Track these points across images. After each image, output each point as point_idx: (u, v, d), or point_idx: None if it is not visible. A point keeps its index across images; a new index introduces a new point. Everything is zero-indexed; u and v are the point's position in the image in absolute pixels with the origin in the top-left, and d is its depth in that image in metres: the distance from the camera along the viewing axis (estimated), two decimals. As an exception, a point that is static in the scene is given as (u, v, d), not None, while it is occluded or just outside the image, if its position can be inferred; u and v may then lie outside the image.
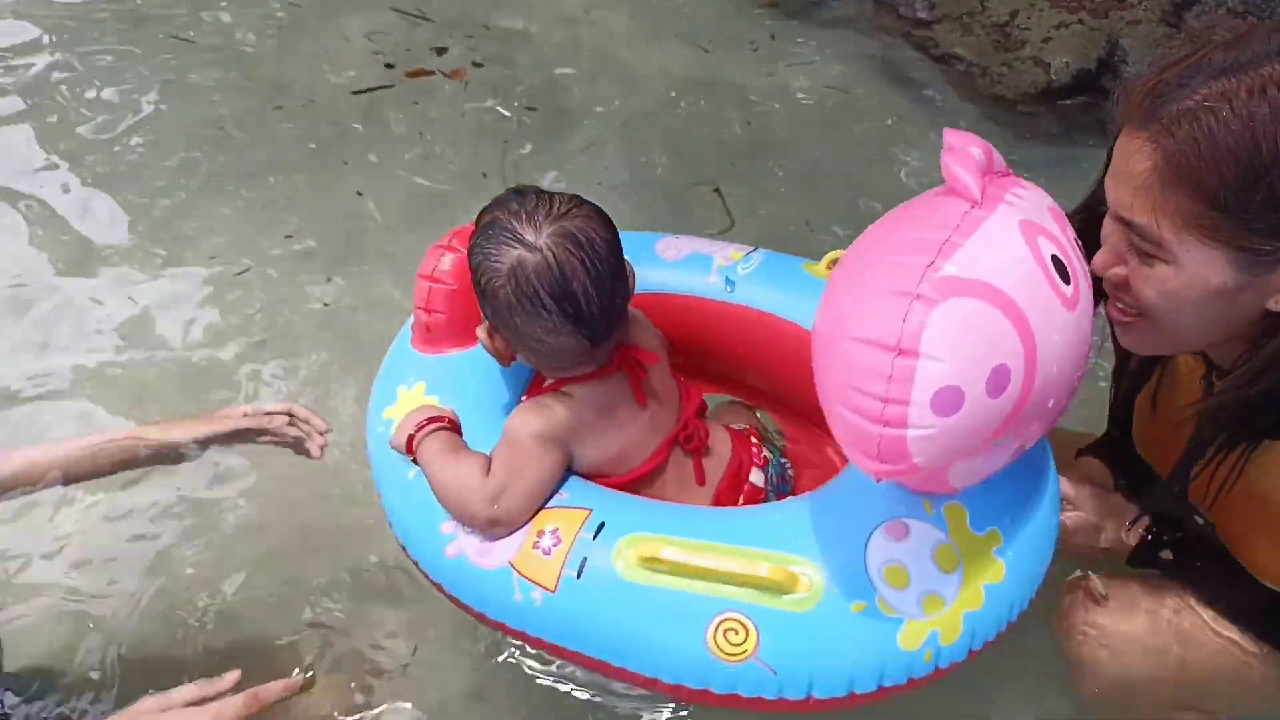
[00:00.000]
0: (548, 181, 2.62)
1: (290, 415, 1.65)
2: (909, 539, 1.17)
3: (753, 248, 1.60)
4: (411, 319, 1.51)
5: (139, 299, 2.28)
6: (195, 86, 2.88)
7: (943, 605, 1.17)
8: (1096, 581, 1.49)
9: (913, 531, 1.18)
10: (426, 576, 1.38)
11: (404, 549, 1.41)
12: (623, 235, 1.32)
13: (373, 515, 1.59)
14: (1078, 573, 1.51)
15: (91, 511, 1.83)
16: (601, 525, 1.25)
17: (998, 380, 0.99)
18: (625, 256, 1.32)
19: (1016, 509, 1.24)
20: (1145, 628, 1.46)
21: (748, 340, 1.57)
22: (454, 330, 1.44)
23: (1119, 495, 1.53)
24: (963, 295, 0.99)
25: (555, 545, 1.25)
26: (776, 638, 1.16)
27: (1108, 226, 1.26)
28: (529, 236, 1.25)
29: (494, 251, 1.27)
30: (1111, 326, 1.36)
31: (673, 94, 2.96)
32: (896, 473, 1.02)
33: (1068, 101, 2.92)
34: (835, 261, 1.44)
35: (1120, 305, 1.28)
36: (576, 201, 1.30)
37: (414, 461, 1.36)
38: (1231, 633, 1.44)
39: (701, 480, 1.42)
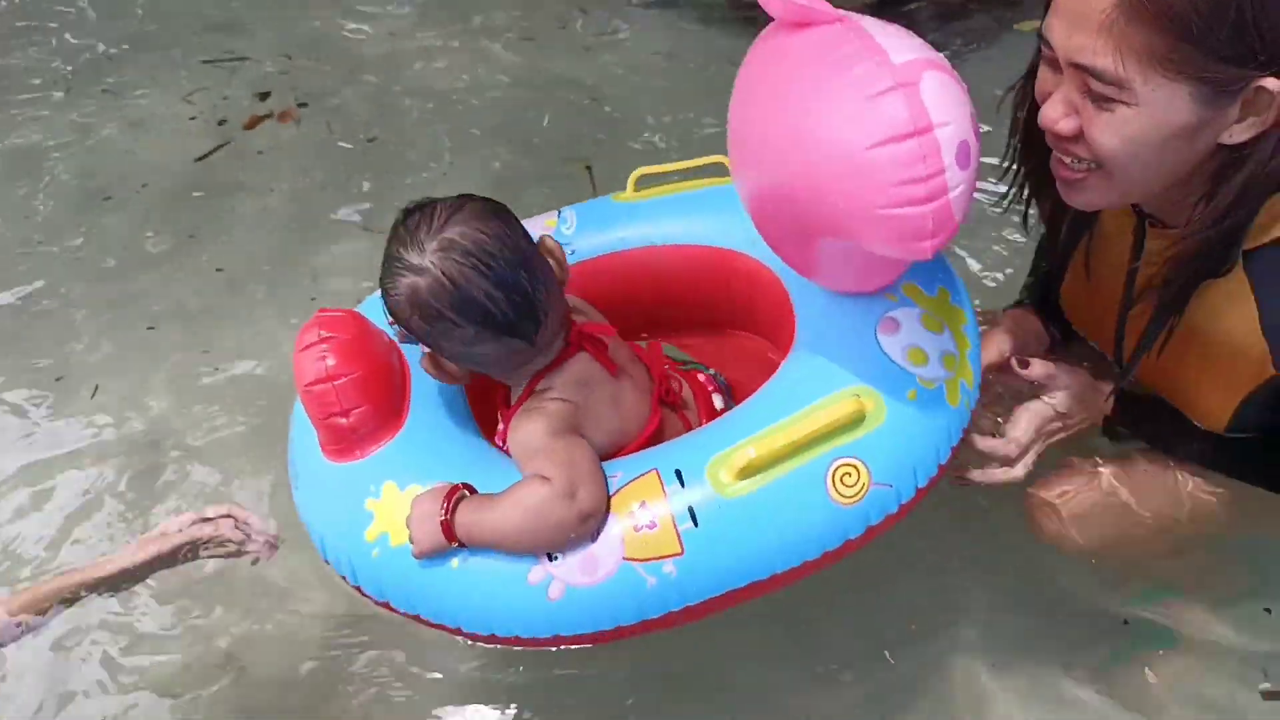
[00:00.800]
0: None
1: (231, 517, 1.50)
2: (903, 326, 1.31)
3: (556, 210, 1.60)
4: (297, 446, 1.39)
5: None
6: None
7: (955, 357, 1.32)
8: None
9: (900, 320, 1.32)
10: (537, 642, 1.25)
11: (496, 639, 1.27)
12: None
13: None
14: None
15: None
16: (677, 471, 1.23)
17: (975, 127, 1.10)
18: (543, 236, 1.32)
19: (937, 266, 1.39)
20: (1107, 489, 1.48)
21: (621, 284, 1.58)
22: (383, 409, 1.33)
23: (1084, 370, 1.51)
24: (924, 69, 1.07)
25: (653, 514, 1.21)
26: (878, 457, 1.24)
27: (1050, 79, 1.22)
28: (415, 259, 1.21)
29: (392, 285, 1.23)
30: (1035, 192, 1.43)
31: (511, 90, 2.90)
32: (943, 240, 1.10)
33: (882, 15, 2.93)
34: (641, 178, 1.57)
35: (1068, 160, 1.25)
36: (457, 205, 1.25)
37: (460, 546, 1.23)
38: (1193, 478, 1.46)
39: (690, 426, 1.42)
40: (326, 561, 1.34)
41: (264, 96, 2.90)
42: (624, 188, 1.62)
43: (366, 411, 1.30)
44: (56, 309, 2.36)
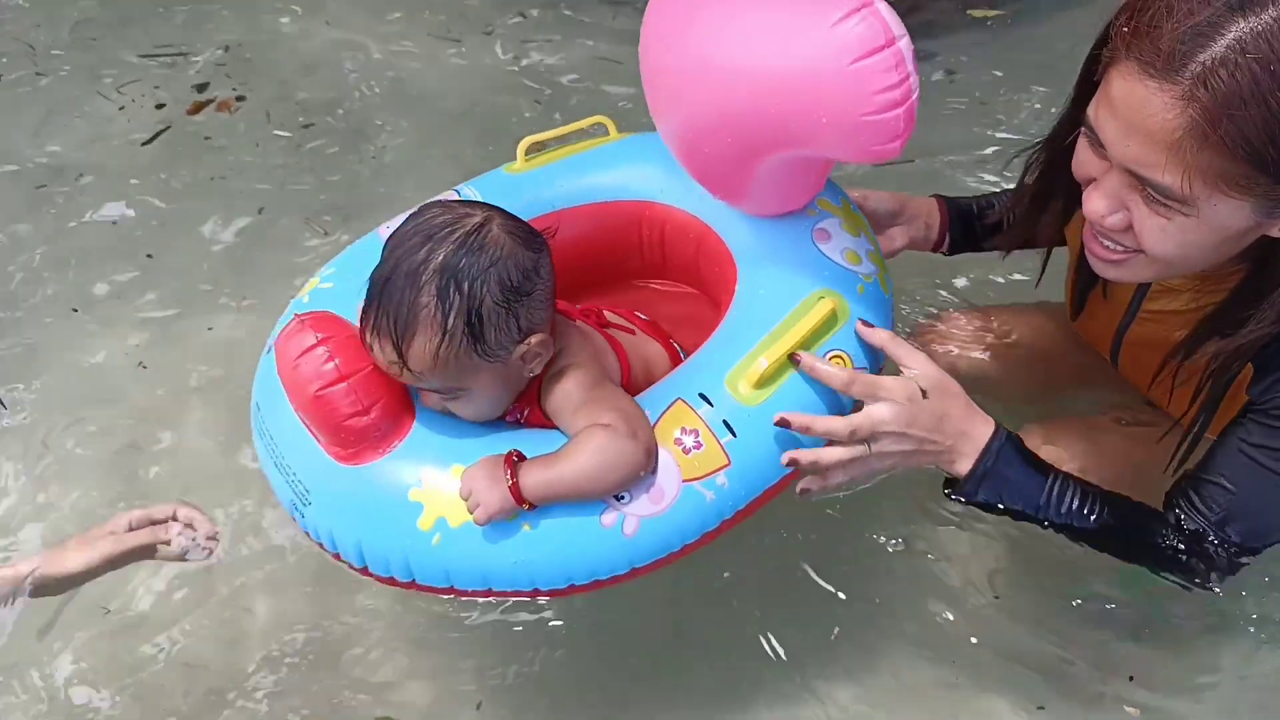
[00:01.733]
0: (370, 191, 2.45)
1: (176, 520, 1.47)
2: (833, 234, 1.49)
3: (454, 187, 1.58)
4: (295, 464, 1.33)
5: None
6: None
7: (875, 253, 1.52)
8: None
9: (828, 229, 1.50)
10: (615, 580, 1.32)
11: (574, 589, 1.32)
12: None
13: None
14: None
15: None
16: (701, 394, 1.34)
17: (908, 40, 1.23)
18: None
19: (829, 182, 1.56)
20: (1080, 446, 1.50)
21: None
22: (399, 399, 1.32)
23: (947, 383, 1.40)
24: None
25: (695, 436, 1.32)
26: (854, 345, 1.41)
27: (1094, 165, 1.20)
28: (478, 224, 1.25)
29: (473, 262, 1.22)
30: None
31: (450, 81, 2.80)
32: (908, 138, 1.22)
33: None
34: (532, 146, 1.61)
35: (1109, 244, 1.24)
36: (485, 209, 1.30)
37: (530, 509, 1.25)
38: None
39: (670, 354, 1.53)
40: (358, 569, 1.33)
41: (202, 88, 2.77)
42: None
43: (386, 404, 1.28)
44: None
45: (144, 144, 2.59)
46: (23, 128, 2.65)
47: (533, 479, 1.23)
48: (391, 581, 1.32)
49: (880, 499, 1.66)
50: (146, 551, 1.43)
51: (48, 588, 1.43)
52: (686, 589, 1.65)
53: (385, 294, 1.21)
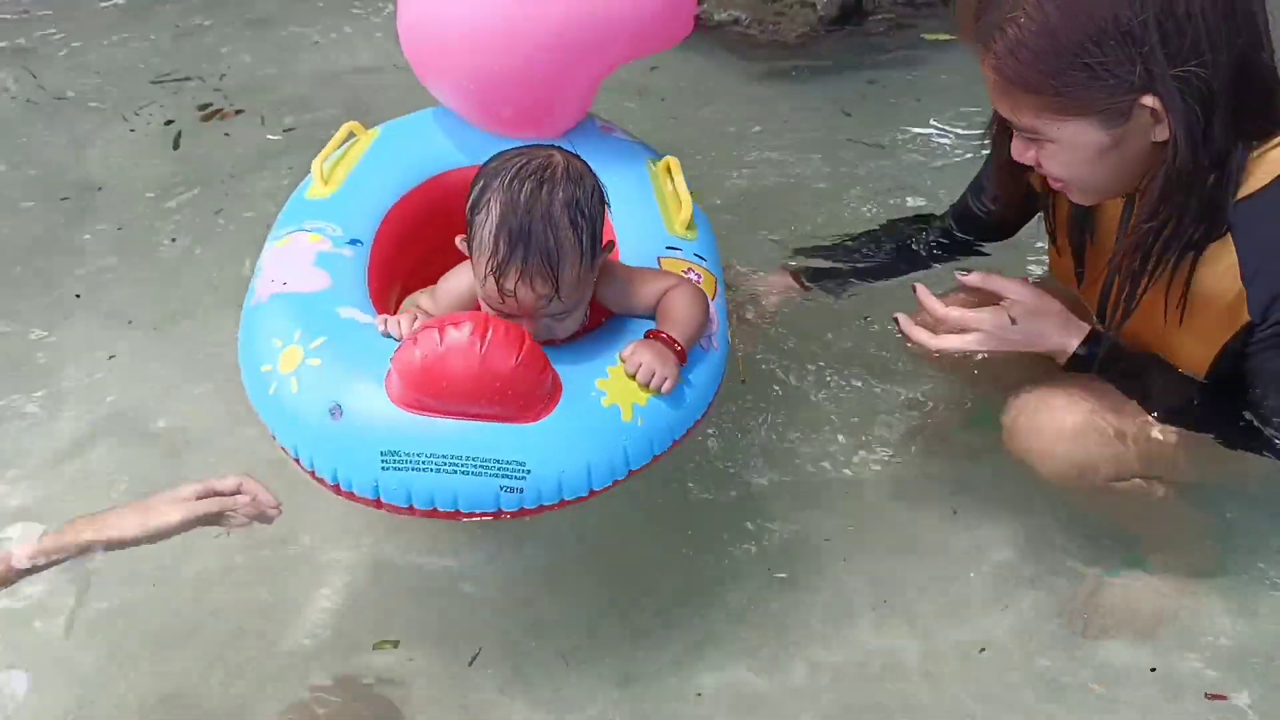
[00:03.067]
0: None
1: (242, 492, 1.45)
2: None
3: (297, 230, 1.75)
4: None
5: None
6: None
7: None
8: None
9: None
10: (712, 407, 1.59)
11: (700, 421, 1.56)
12: None
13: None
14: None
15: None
16: (668, 246, 1.73)
17: None
18: None
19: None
20: (1087, 413, 1.53)
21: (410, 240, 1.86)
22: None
23: (1045, 292, 1.58)
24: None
25: (692, 272, 1.67)
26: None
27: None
28: (559, 159, 1.47)
29: (580, 191, 1.44)
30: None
31: None
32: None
33: (839, 30, 3.20)
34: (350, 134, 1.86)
35: (1049, 177, 1.44)
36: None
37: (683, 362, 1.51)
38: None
39: None
40: (584, 497, 1.43)
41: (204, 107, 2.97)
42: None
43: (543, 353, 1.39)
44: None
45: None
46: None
47: (681, 340, 1.49)
48: (614, 485, 1.45)
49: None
50: (213, 519, 1.43)
51: (108, 548, 1.40)
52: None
53: (530, 239, 1.37)
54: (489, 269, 1.40)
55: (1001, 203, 1.76)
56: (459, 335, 1.30)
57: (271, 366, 1.48)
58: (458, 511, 1.40)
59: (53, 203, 2.65)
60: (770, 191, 2.59)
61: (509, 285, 1.40)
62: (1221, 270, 1.37)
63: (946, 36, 3.13)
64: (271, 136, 2.85)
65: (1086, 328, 1.52)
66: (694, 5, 1.74)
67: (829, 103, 2.95)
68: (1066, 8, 1.23)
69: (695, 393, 1.52)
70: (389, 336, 1.48)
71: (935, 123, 2.80)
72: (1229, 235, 1.35)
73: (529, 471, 1.38)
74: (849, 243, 1.99)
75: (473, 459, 1.37)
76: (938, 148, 2.74)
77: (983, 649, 1.68)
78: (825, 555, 1.81)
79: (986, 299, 1.55)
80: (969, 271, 1.58)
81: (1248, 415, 1.46)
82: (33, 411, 2.10)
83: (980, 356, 1.58)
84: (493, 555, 1.83)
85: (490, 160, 1.49)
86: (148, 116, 2.93)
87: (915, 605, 1.75)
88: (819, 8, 3.18)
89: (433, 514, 1.41)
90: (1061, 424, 1.54)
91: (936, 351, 1.58)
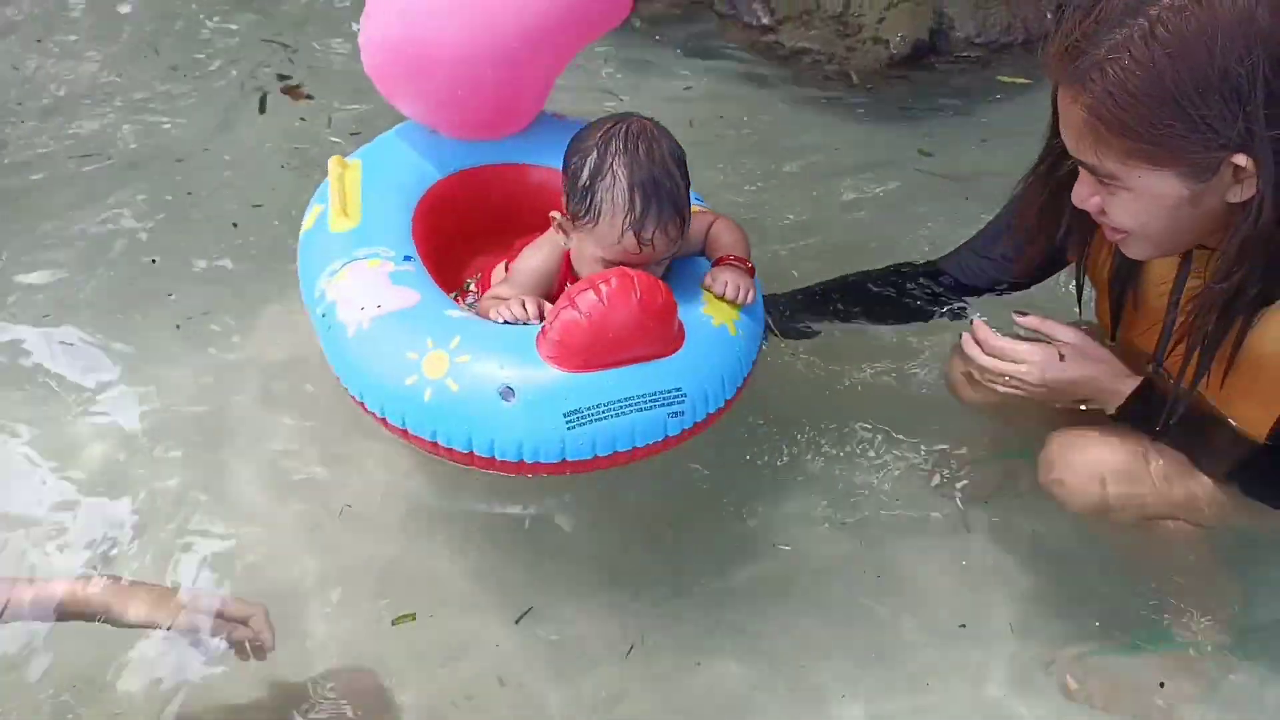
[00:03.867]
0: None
1: (248, 627, 1.47)
2: None
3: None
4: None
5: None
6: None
7: None
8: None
9: None
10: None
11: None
12: None
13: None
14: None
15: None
16: None
17: None
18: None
19: None
20: (1125, 455, 1.57)
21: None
22: None
23: (1096, 341, 1.60)
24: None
25: None
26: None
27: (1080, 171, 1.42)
28: (642, 119, 1.69)
29: (673, 145, 1.66)
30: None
31: None
32: None
33: (912, 71, 3.18)
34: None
35: (1107, 226, 1.43)
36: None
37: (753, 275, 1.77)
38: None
39: None
40: (727, 403, 1.68)
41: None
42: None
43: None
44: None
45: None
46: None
47: (744, 257, 1.76)
48: (737, 395, 1.70)
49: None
50: (202, 634, 1.44)
51: (96, 618, 1.41)
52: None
53: (658, 192, 1.58)
54: (626, 225, 1.57)
55: (1024, 255, 1.73)
56: (616, 289, 1.49)
57: (417, 377, 1.57)
58: (634, 450, 1.58)
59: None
60: (834, 228, 2.60)
61: (647, 235, 1.58)
62: None
63: (1024, 80, 3.10)
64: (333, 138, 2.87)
65: (1138, 377, 1.53)
66: None
67: (898, 139, 2.95)
68: (1177, 55, 1.21)
69: (758, 308, 1.77)
70: (512, 323, 1.62)
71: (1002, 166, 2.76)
72: None
73: (685, 395, 1.59)
74: (820, 292, 1.98)
75: (642, 396, 1.56)
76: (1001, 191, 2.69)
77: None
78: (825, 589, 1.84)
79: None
80: (1026, 314, 1.60)
81: None
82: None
83: (1020, 397, 1.59)
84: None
85: (582, 137, 1.65)
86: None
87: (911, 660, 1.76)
88: (891, 45, 3.16)
89: (612, 460, 1.58)
90: (1099, 463, 1.57)
91: (985, 374, 1.59)
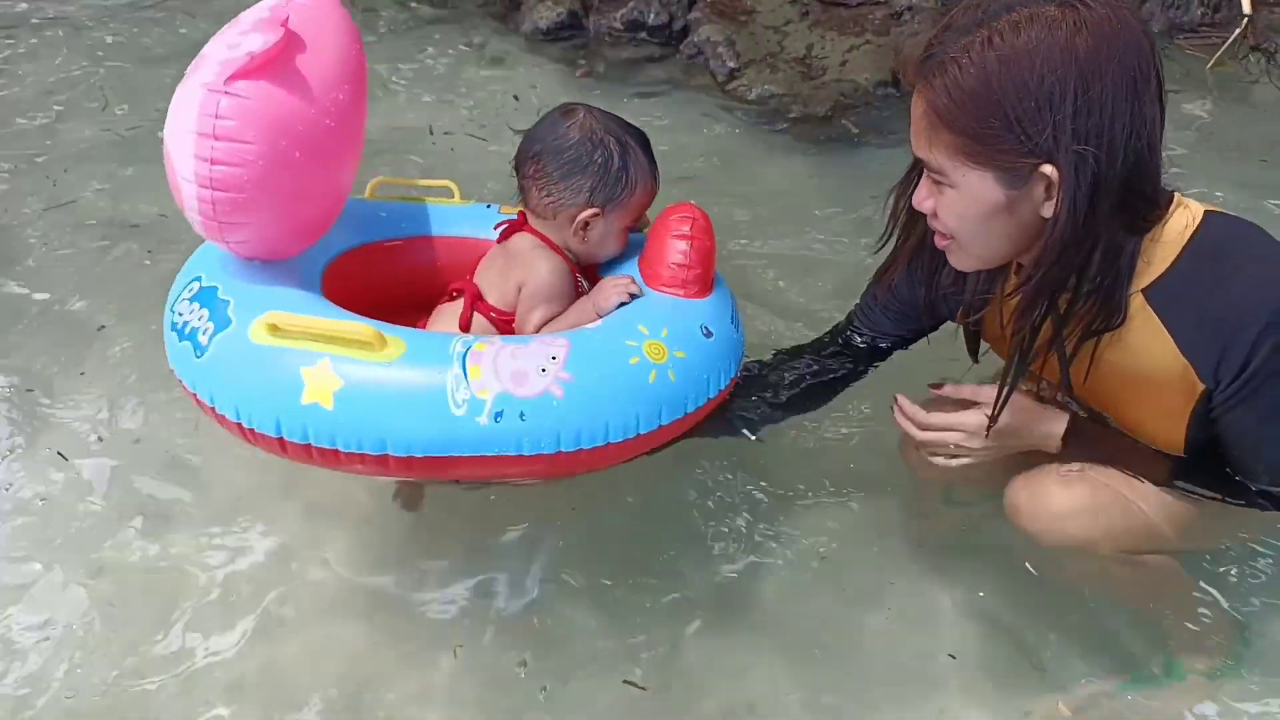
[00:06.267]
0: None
1: None
2: None
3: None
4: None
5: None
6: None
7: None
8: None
9: None
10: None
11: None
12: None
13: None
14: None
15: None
16: None
17: None
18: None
19: None
20: (1081, 490, 1.59)
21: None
22: None
23: (1026, 394, 1.62)
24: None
25: None
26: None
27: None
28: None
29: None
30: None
31: None
32: None
33: (870, 106, 3.27)
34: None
35: (938, 232, 1.51)
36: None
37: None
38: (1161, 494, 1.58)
39: None
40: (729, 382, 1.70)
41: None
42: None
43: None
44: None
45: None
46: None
47: None
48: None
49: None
50: None
51: None
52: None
53: (642, 139, 1.76)
54: (652, 176, 1.77)
55: (914, 310, 1.76)
56: (698, 214, 1.70)
57: (639, 358, 1.58)
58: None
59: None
60: (806, 264, 2.62)
61: (656, 185, 1.80)
62: (1159, 351, 1.45)
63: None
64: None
65: (1066, 413, 1.60)
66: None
67: (861, 174, 3.01)
68: (1005, 59, 1.32)
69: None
70: (636, 295, 1.69)
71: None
72: (1156, 317, 1.44)
73: (713, 335, 1.68)
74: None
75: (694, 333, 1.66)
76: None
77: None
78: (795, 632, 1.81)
79: (961, 408, 1.63)
80: (940, 384, 1.68)
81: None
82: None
83: (965, 461, 1.65)
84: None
85: (563, 143, 1.71)
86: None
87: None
88: (855, 85, 3.26)
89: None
90: (1060, 505, 1.60)
91: (926, 448, 1.67)
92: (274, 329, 1.47)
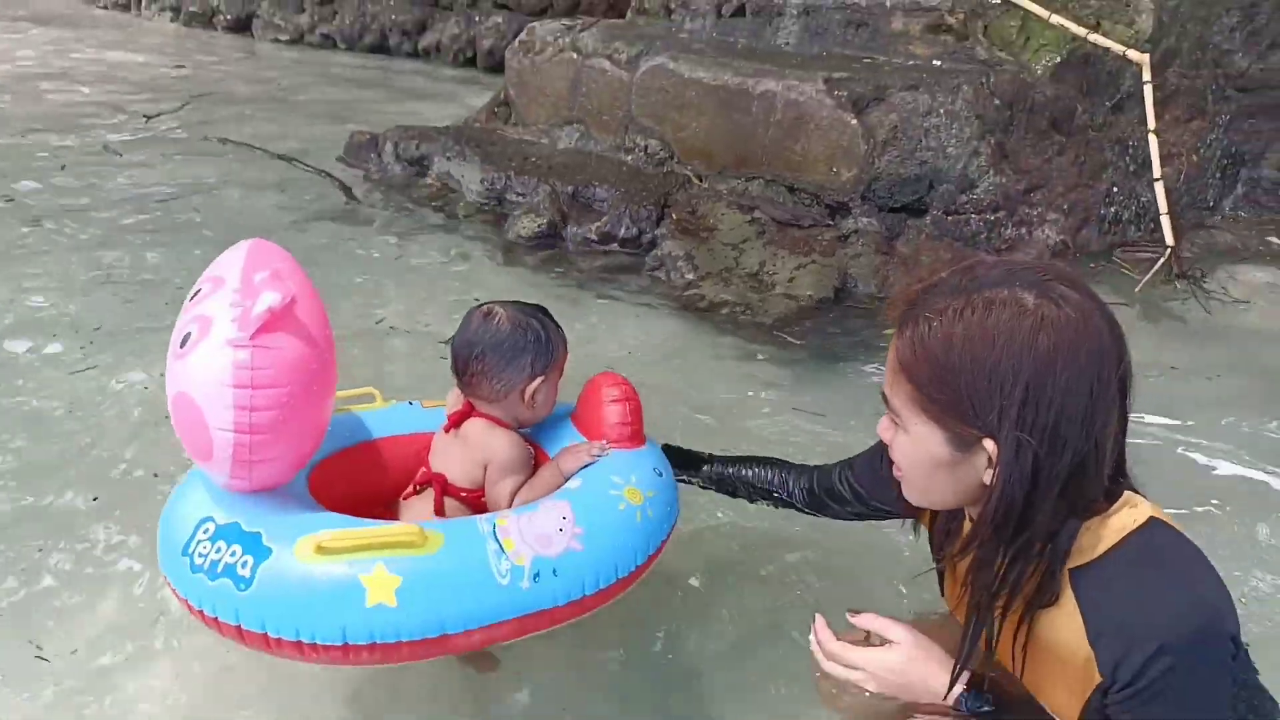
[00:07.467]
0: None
1: None
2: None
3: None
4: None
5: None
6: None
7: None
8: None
9: None
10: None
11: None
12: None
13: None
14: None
15: None
16: None
17: None
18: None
19: None
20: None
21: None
22: None
23: (931, 643, 1.62)
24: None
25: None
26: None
27: None
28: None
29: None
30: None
31: None
32: None
33: (815, 321, 3.55)
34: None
35: (893, 464, 1.55)
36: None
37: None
38: None
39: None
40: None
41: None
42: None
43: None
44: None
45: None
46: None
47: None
48: None
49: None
50: None
51: None
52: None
53: (553, 319, 2.01)
54: (563, 340, 2.02)
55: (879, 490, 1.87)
56: (622, 382, 1.99)
57: (625, 504, 1.85)
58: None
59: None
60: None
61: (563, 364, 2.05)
62: (1070, 631, 1.44)
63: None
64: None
65: (947, 673, 1.57)
66: None
67: (808, 376, 3.22)
68: (970, 335, 1.36)
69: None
70: (600, 455, 1.95)
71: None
72: (1075, 599, 1.44)
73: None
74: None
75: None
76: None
77: None
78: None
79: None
80: (859, 612, 1.67)
81: None
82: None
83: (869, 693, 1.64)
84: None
85: (501, 336, 1.95)
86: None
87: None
88: (799, 300, 3.58)
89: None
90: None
91: (829, 680, 1.67)
92: (321, 548, 1.59)
